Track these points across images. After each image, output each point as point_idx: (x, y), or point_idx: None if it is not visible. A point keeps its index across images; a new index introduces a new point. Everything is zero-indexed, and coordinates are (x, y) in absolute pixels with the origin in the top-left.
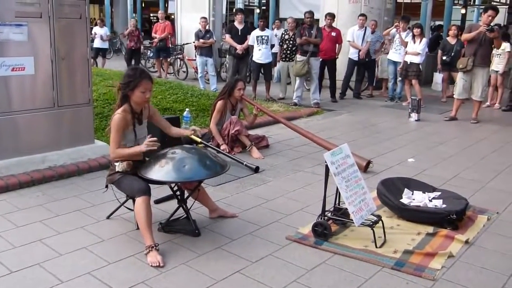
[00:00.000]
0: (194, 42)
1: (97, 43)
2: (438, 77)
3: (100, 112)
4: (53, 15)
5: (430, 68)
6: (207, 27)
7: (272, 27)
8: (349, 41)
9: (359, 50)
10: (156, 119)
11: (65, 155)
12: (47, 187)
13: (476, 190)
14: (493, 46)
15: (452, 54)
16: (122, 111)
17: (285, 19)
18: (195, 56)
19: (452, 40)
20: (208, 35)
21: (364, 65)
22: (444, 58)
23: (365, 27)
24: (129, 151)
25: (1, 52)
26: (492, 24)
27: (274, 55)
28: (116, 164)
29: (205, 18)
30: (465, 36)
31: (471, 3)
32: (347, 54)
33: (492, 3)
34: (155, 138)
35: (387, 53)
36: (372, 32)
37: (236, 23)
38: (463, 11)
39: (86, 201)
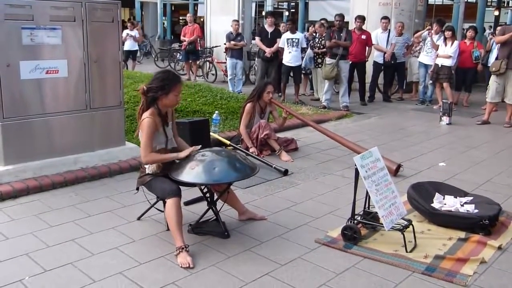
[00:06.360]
0: (225, 44)
1: (128, 46)
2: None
3: (131, 114)
4: (86, 18)
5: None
6: (238, 30)
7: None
8: (373, 44)
9: (384, 53)
10: (172, 122)
11: (96, 156)
12: (79, 188)
13: (509, 196)
14: None
15: None
16: (150, 115)
17: (314, 22)
18: (225, 59)
19: None
20: (239, 38)
21: (392, 68)
22: None
23: (389, 30)
24: (164, 157)
25: (36, 55)
26: None
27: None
28: (146, 166)
29: (237, 21)
30: (498, 38)
31: (505, 5)
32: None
33: None
34: (199, 147)
35: (417, 56)
36: (400, 35)
37: (266, 26)
38: (496, 12)
39: (117, 202)
